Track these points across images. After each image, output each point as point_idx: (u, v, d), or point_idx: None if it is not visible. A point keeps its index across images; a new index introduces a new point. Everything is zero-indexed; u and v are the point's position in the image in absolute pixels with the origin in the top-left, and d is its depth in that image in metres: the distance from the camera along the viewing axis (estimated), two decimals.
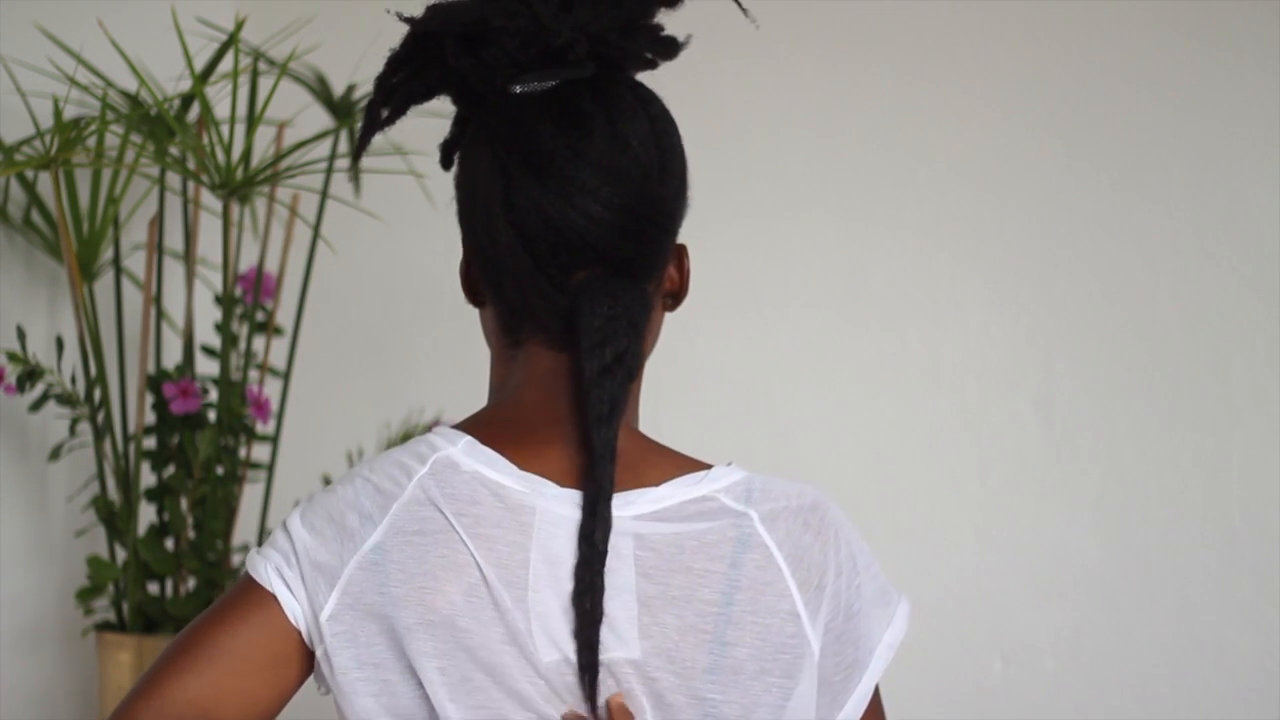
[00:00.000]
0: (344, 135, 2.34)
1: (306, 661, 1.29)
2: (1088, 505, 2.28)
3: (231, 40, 2.07)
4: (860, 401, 2.37)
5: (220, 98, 2.23)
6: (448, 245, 1.38)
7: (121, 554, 2.20)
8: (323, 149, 2.41)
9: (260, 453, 2.35)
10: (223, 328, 2.18)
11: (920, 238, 2.35)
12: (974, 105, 2.33)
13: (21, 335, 2.05)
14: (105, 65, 2.15)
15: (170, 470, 2.15)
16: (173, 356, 2.35)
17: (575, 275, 1.29)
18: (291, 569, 1.28)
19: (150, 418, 2.20)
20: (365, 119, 1.35)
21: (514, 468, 1.28)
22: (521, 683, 1.25)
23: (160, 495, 2.14)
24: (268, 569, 1.29)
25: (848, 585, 1.31)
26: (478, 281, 1.34)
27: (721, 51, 2.36)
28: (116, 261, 2.15)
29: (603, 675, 1.25)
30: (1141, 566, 2.25)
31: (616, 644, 1.25)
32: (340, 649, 1.26)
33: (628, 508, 1.27)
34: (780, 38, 2.40)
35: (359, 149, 1.37)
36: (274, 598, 1.28)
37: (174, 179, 2.28)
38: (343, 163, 2.40)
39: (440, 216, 2.54)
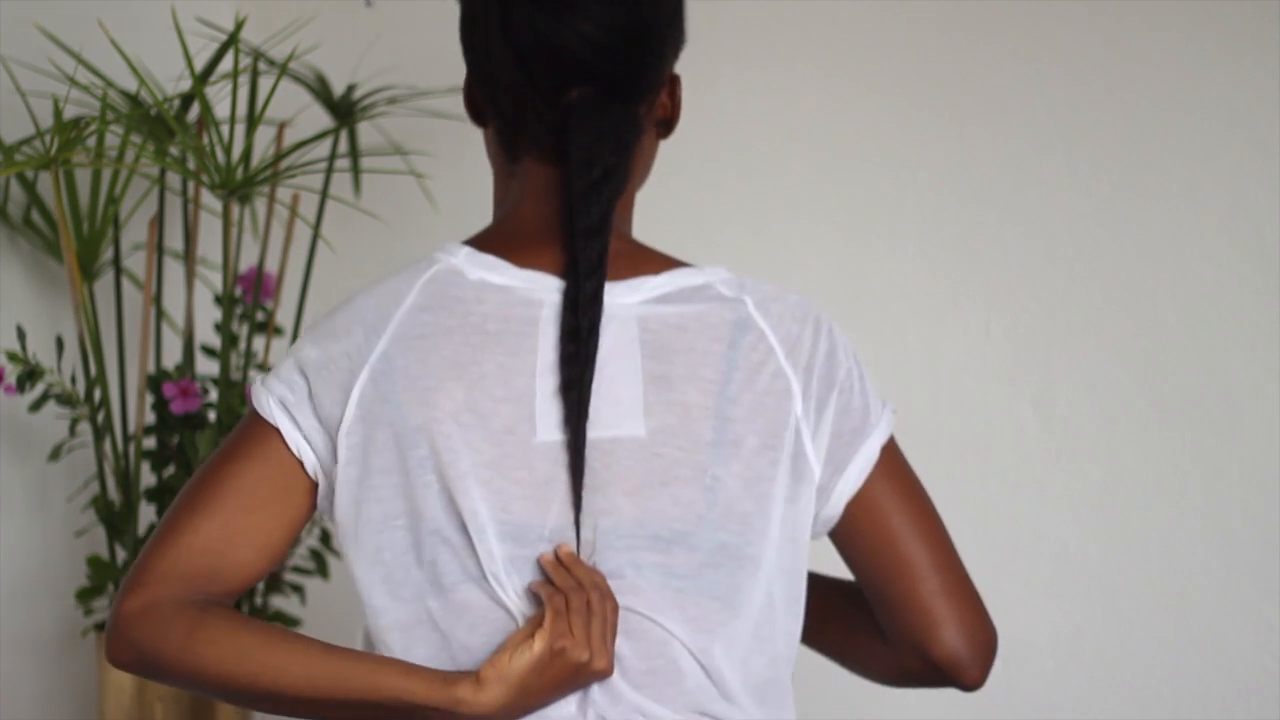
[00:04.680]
0: (344, 135, 2.34)
1: (311, 493, 1.33)
2: (1088, 505, 2.28)
3: (231, 40, 2.07)
4: None
5: (220, 98, 2.23)
6: None
7: (121, 554, 2.20)
8: (323, 149, 2.41)
9: None
10: (223, 328, 2.18)
11: (920, 238, 2.35)
12: (974, 106, 2.33)
13: (21, 335, 2.05)
14: (105, 65, 2.15)
15: (170, 470, 2.15)
16: (173, 356, 2.35)
17: (568, 93, 1.34)
18: (297, 395, 1.32)
19: (150, 418, 2.20)
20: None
21: (513, 267, 1.33)
22: (521, 470, 1.29)
23: (160, 495, 2.14)
24: (270, 401, 1.33)
25: (843, 370, 1.38)
26: (479, 100, 1.39)
27: (722, 53, 2.36)
28: (116, 261, 2.15)
29: (610, 451, 1.30)
30: (1141, 566, 2.25)
31: (623, 422, 1.30)
32: (354, 460, 1.30)
33: (632, 294, 1.33)
34: (780, 39, 2.40)
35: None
36: (276, 431, 1.32)
37: (174, 179, 2.28)
38: (343, 163, 2.40)
39: (440, 216, 2.55)
